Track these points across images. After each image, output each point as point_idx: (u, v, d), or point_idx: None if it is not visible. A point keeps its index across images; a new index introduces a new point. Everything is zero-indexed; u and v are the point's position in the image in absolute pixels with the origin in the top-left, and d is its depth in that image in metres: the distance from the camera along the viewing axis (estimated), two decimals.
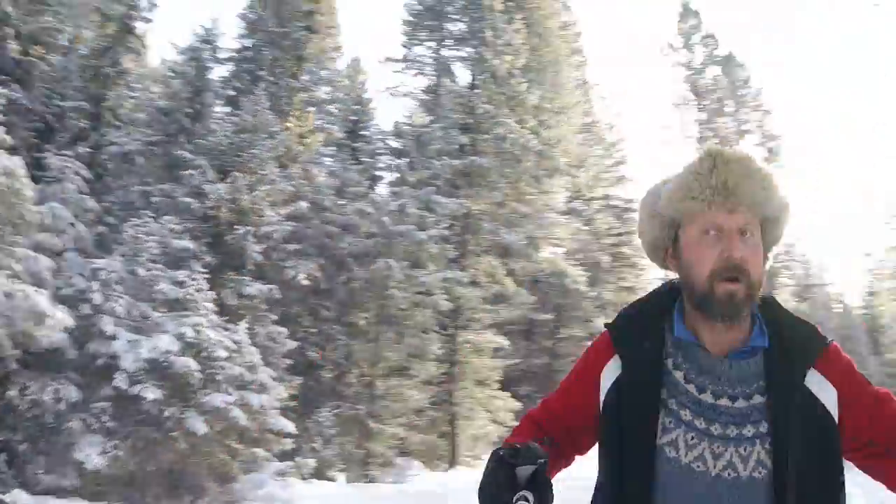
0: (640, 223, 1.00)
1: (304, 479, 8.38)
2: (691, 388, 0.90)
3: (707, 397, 0.89)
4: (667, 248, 0.95)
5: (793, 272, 24.02)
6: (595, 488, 0.96)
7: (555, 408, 1.02)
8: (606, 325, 1.01)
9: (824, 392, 0.87)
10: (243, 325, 7.90)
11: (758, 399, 0.88)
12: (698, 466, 0.87)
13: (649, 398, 0.89)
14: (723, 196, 0.86)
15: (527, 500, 0.82)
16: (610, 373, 0.94)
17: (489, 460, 0.86)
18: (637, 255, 18.12)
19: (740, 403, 0.88)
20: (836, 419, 0.87)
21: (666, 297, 0.98)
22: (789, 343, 0.89)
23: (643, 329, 0.94)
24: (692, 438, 0.87)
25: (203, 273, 7.82)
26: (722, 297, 0.84)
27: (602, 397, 0.94)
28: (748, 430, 0.87)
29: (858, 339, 20.66)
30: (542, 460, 0.82)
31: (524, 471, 0.84)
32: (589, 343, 1.06)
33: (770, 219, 0.91)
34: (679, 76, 23.65)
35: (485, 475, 0.85)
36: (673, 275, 0.97)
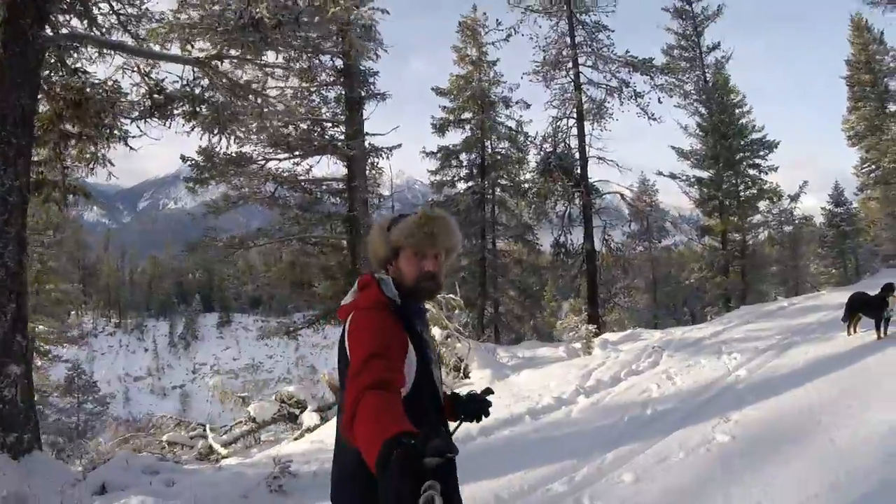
0: (373, 244, 1.66)
1: None
2: (424, 334, 1.63)
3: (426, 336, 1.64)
4: (390, 260, 1.63)
5: None
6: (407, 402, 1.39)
7: (400, 374, 1.40)
8: (390, 304, 1.55)
9: None
10: None
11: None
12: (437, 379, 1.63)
13: (426, 347, 1.59)
14: (429, 241, 1.57)
15: (434, 489, 0.92)
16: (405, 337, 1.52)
17: (396, 448, 0.99)
18: None
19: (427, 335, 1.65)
20: None
21: (385, 289, 1.58)
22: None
23: (405, 309, 1.57)
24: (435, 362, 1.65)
25: None
26: (423, 289, 1.59)
27: (414, 354, 1.52)
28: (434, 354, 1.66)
29: None
30: (451, 455, 0.98)
31: (432, 461, 0.95)
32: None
33: (450, 249, 1.64)
34: None
35: (394, 462, 0.97)
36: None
